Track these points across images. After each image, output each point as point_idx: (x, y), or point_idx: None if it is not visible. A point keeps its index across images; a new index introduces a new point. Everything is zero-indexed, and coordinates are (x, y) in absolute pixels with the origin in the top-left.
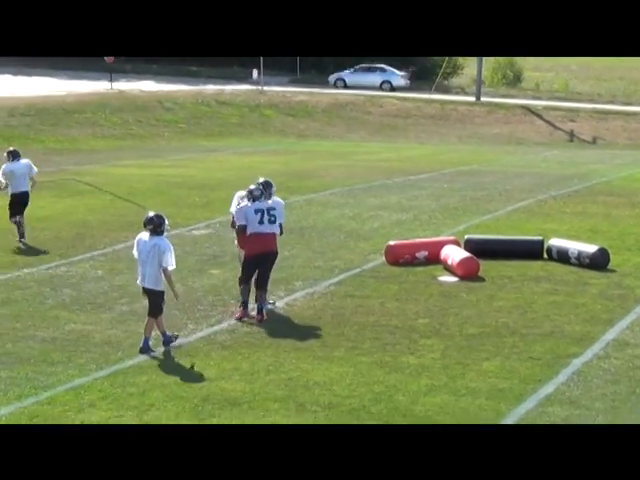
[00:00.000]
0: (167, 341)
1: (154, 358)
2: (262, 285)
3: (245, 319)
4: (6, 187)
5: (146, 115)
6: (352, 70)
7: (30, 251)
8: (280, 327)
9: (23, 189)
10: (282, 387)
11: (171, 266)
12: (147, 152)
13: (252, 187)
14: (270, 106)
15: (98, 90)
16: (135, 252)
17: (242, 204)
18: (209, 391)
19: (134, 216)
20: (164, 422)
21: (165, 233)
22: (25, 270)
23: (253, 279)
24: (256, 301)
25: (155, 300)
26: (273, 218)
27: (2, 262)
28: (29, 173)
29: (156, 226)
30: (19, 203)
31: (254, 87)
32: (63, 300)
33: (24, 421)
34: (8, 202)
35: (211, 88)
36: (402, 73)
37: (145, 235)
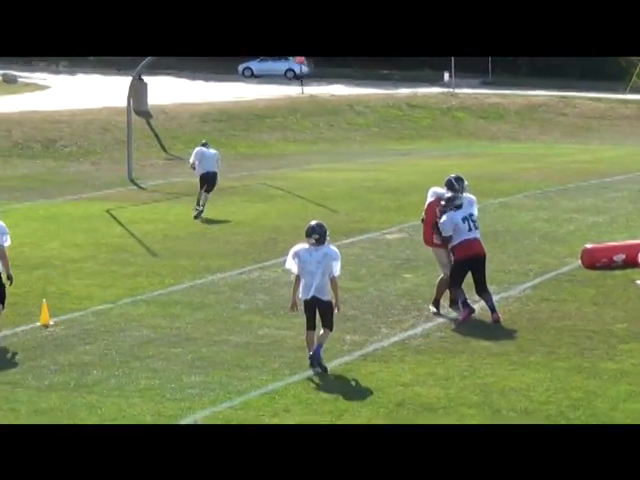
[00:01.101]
0: (318, 356)
1: (347, 364)
2: (483, 288)
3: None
4: (193, 167)
5: (337, 119)
6: (259, 59)
7: (223, 256)
8: (474, 332)
9: (211, 170)
10: (477, 392)
11: (338, 274)
12: (338, 156)
13: (450, 195)
14: (462, 109)
15: (289, 95)
16: (294, 265)
17: (445, 215)
18: (404, 396)
19: (325, 220)
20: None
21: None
22: (218, 275)
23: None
24: (487, 303)
25: (327, 310)
26: (476, 224)
27: (196, 267)
28: (217, 160)
29: (322, 235)
30: (207, 180)
31: (445, 90)
32: (256, 305)
33: None
34: (198, 179)
35: (403, 91)
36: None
37: (305, 246)
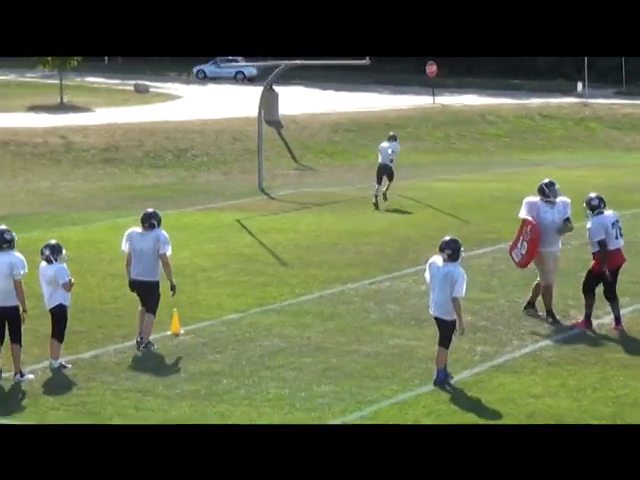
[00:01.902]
0: (442, 378)
1: (478, 374)
2: (614, 295)
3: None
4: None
5: (469, 129)
6: (212, 62)
7: (354, 266)
8: (607, 343)
9: (386, 162)
10: (609, 405)
11: (460, 295)
12: (469, 166)
13: (592, 195)
14: (595, 119)
15: (420, 105)
16: (427, 276)
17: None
18: (535, 408)
19: (456, 231)
20: None
21: (460, 259)
22: (349, 285)
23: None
24: (613, 312)
25: (447, 329)
26: (622, 231)
27: (327, 277)
28: (394, 151)
29: (455, 251)
30: (383, 172)
31: (578, 100)
32: (387, 315)
33: None
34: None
35: (535, 101)
36: (254, 64)
37: (438, 259)
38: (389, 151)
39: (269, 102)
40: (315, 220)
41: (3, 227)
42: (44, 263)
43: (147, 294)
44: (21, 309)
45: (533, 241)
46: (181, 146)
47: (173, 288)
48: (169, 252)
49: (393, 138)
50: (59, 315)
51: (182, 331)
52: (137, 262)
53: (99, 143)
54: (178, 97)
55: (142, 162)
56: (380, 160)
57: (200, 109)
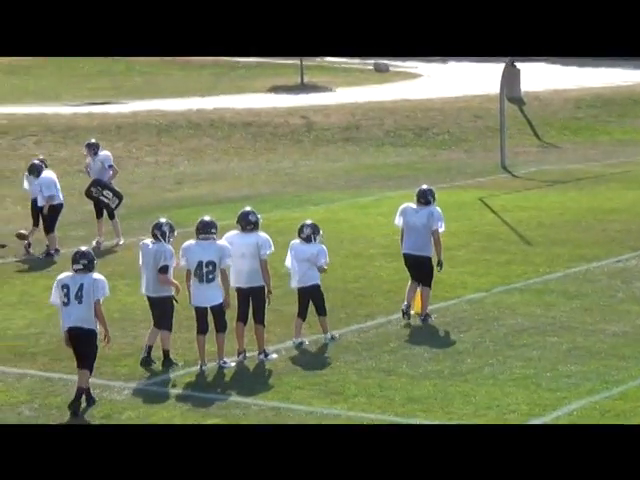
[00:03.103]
0: None
1: None
2: None
3: None
4: None
5: None
6: None
7: (599, 244)
8: None
9: None
10: None
11: None
12: None
13: None
14: None
15: None
16: None
17: None
18: None
19: None
20: None
21: None
22: (594, 263)
23: None
24: None
25: None
26: None
27: (571, 255)
28: None
29: None
30: None
31: None
32: (634, 294)
33: (595, 416)
34: None
35: None
36: None
37: None
38: None
39: (511, 79)
40: (558, 198)
41: (248, 209)
42: (298, 241)
43: (421, 268)
44: (266, 290)
45: None
46: (422, 125)
47: (440, 264)
48: (442, 229)
49: None
50: (317, 294)
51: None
52: (408, 237)
53: (340, 122)
54: (418, 75)
55: (383, 141)
56: None
57: (440, 87)
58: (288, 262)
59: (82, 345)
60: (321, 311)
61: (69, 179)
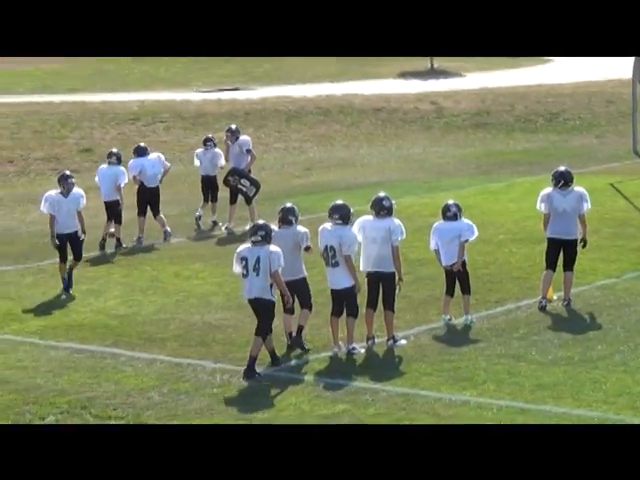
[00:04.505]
0: None
1: None
2: None
3: None
4: None
5: None
6: None
7: None
8: None
9: None
10: None
11: None
12: None
13: None
14: None
15: None
16: None
17: None
18: None
19: None
20: None
21: None
22: None
23: None
24: None
25: None
26: None
27: None
28: None
29: None
30: None
31: None
32: None
33: None
34: None
35: None
36: None
37: None
38: None
39: None
40: None
41: (382, 194)
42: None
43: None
44: (397, 277)
45: None
46: (553, 110)
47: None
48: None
49: None
50: (463, 272)
51: (555, 297)
52: (556, 221)
53: (470, 108)
54: (549, 60)
55: (513, 127)
56: None
57: (572, 72)
58: (432, 245)
59: (261, 314)
60: (466, 290)
61: None
